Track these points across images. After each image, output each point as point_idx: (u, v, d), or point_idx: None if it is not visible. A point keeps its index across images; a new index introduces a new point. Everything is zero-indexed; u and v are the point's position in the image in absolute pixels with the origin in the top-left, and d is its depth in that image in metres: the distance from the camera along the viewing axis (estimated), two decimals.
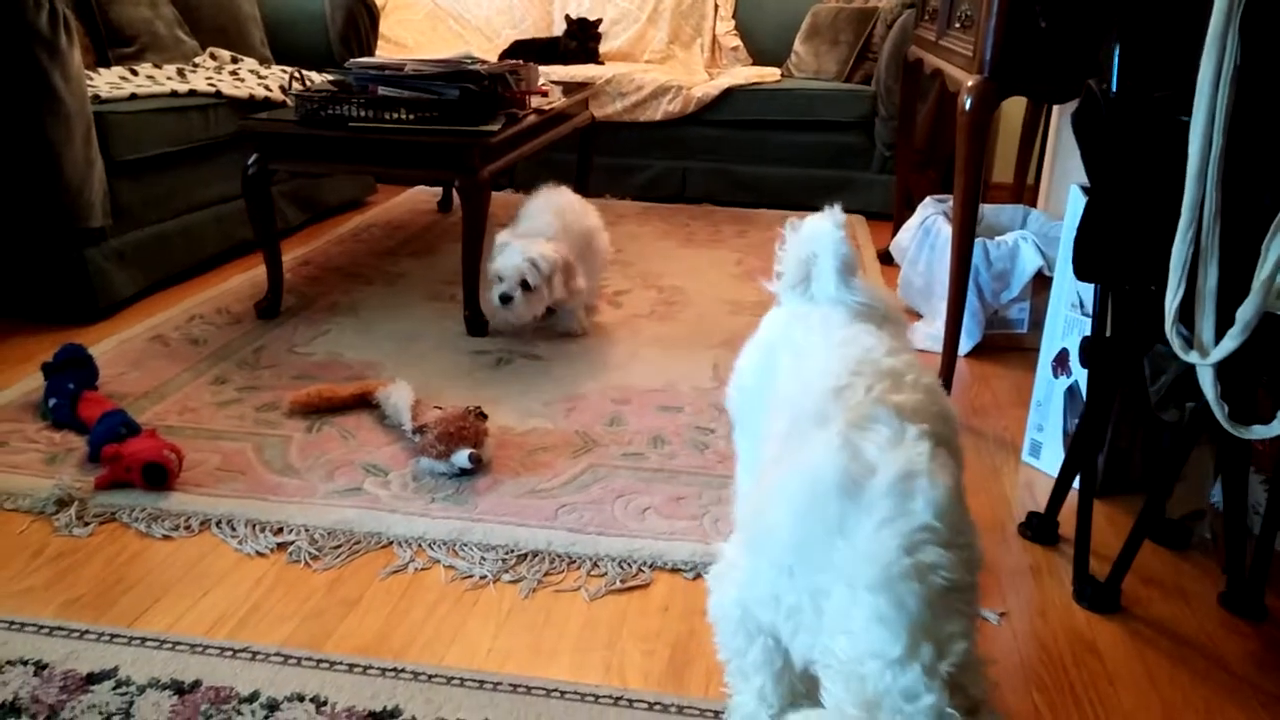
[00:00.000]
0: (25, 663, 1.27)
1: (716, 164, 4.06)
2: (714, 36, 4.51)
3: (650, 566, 1.54)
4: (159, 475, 1.69)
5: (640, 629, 1.40)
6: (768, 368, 1.27)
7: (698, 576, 1.52)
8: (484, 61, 2.53)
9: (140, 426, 1.82)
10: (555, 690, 1.26)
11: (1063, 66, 1.85)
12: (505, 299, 2.33)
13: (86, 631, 1.34)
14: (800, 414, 1.08)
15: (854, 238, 3.37)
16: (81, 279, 2.45)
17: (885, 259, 3.23)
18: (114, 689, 1.24)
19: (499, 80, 2.47)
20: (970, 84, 1.94)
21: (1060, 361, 1.85)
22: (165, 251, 2.74)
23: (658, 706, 1.24)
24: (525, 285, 2.31)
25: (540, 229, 2.43)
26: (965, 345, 2.52)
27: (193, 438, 1.88)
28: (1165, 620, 1.46)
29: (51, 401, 1.93)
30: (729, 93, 3.96)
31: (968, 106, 1.93)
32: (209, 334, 2.44)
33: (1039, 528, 1.67)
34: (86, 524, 1.61)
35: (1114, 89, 1.39)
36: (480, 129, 2.33)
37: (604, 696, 1.25)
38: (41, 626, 1.35)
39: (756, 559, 1.02)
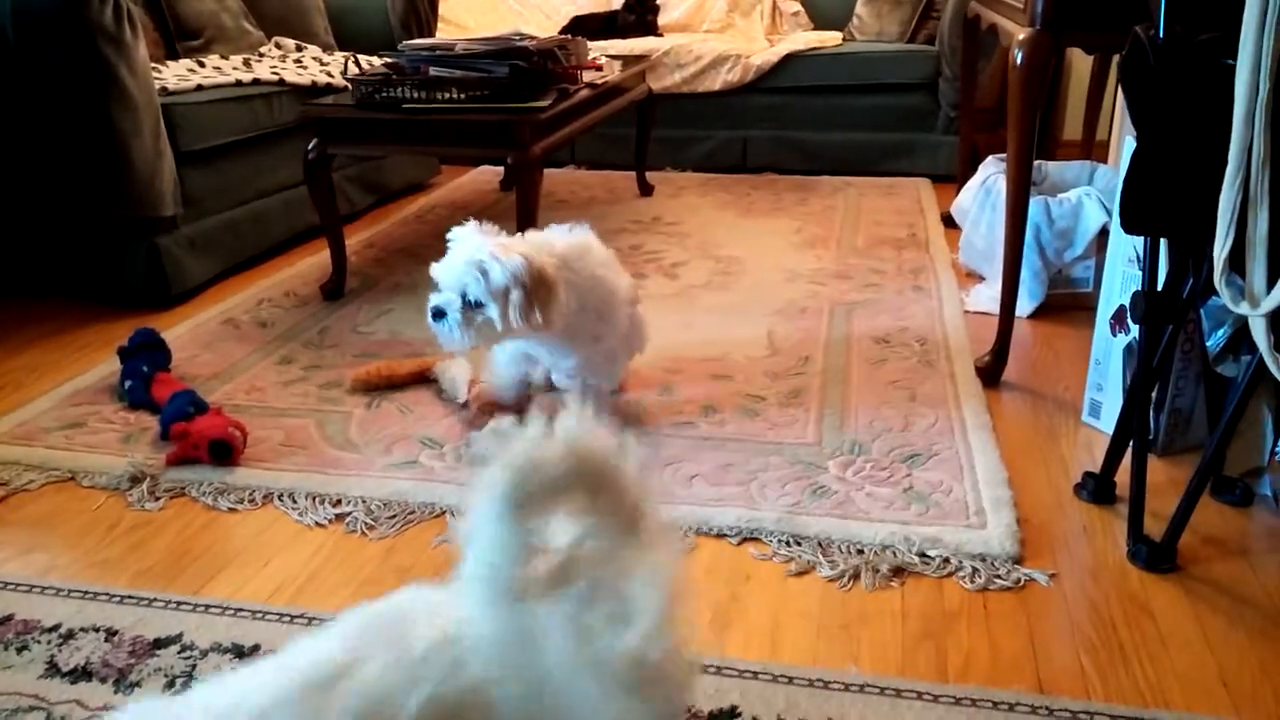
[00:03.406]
0: (98, 629, 1.35)
1: (778, 132, 4.02)
2: (774, 3, 4.45)
3: (695, 532, 1.55)
4: (224, 451, 1.76)
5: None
6: None
7: (742, 541, 1.53)
8: (533, 38, 2.55)
9: (208, 405, 1.90)
10: None
11: (1118, 14, 1.78)
12: (436, 314, 1.66)
13: (154, 600, 1.41)
14: None
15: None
16: (155, 266, 2.55)
17: (948, 222, 3.17)
18: (179, 653, 1.30)
19: (548, 56, 2.48)
20: (1021, 37, 1.88)
21: (1118, 319, 1.80)
22: (235, 238, 2.84)
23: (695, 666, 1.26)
24: (466, 300, 1.63)
25: (524, 242, 1.73)
26: (1028, 306, 2.46)
27: (259, 415, 1.95)
28: (1224, 579, 1.42)
29: (127, 384, 2.03)
30: (789, 59, 3.91)
31: (1019, 61, 1.87)
32: (276, 316, 2.52)
33: (1095, 488, 1.63)
34: (157, 499, 1.69)
35: (1160, 35, 1.34)
36: (530, 105, 2.36)
37: None
38: (113, 595, 1.42)
39: None
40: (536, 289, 1.62)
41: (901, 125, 3.92)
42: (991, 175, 2.66)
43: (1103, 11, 1.79)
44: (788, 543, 1.52)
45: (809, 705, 1.19)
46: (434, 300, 1.66)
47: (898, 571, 1.45)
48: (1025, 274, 2.44)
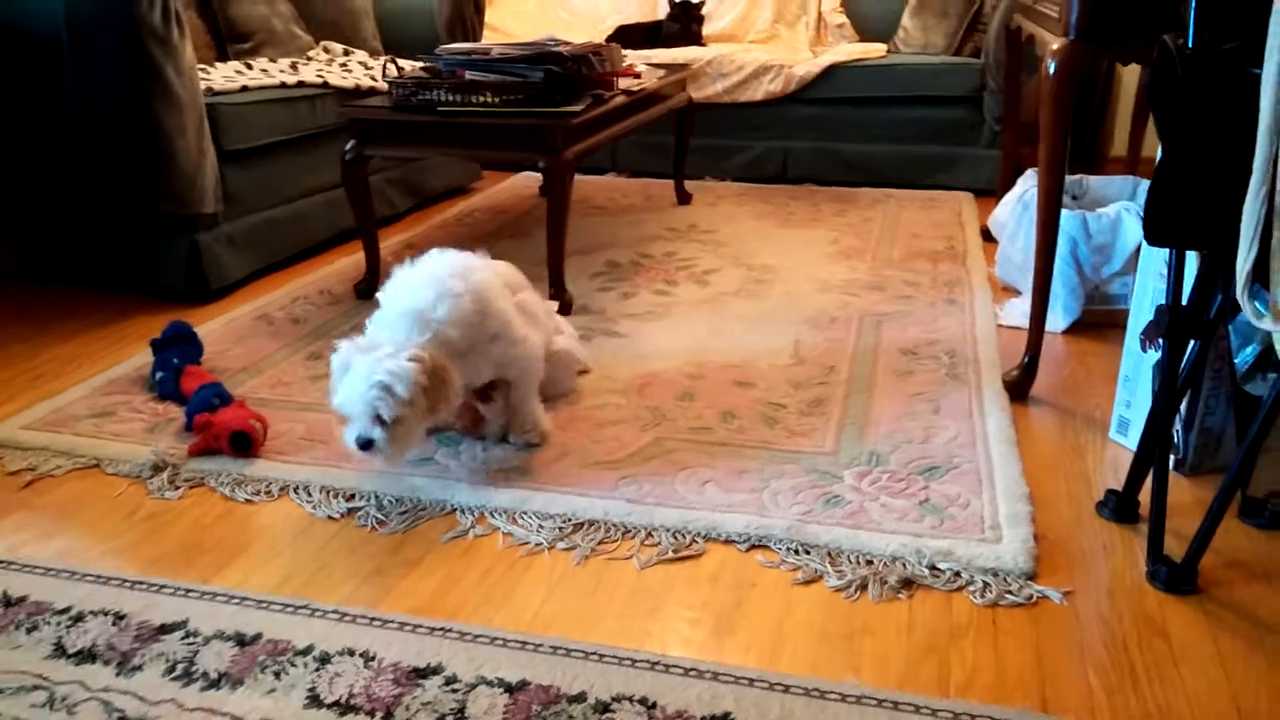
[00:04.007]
0: (107, 613, 1.37)
1: (819, 143, 4.00)
2: (819, 14, 4.43)
3: (704, 537, 1.54)
4: (244, 443, 1.79)
5: (687, 598, 1.41)
6: None
7: (750, 548, 1.52)
8: (567, 43, 2.56)
9: (233, 398, 1.93)
10: (594, 653, 1.28)
11: (1155, 25, 1.74)
12: (364, 444, 1.62)
13: (164, 586, 1.43)
14: None
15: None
16: (195, 262, 2.60)
17: (988, 236, 3.13)
18: (182, 639, 1.32)
19: (582, 61, 2.49)
20: (1055, 47, 1.85)
21: (1148, 334, 1.75)
22: (275, 236, 2.89)
23: (693, 672, 1.24)
24: (383, 421, 1.60)
25: (394, 327, 1.68)
26: (1063, 322, 2.41)
27: (281, 409, 1.98)
28: (1245, 603, 1.37)
29: (158, 375, 2.07)
30: (831, 70, 3.89)
31: (1052, 71, 1.84)
32: (309, 313, 2.56)
33: (1117, 506, 1.59)
34: (177, 488, 1.72)
35: (1190, 44, 1.31)
36: (562, 110, 2.37)
37: (641, 661, 1.27)
38: (125, 580, 1.45)
39: None
40: (434, 385, 1.62)
41: (945, 138, 3.87)
42: (1030, 189, 2.61)
43: (1138, 21, 1.75)
44: (796, 551, 1.50)
45: (804, 714, 1.17)
46: (355, 433, 1.62)
47: (906, 584, 1.43)
48: (1061, 289, 2.40)
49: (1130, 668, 1.25)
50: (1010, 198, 2.74)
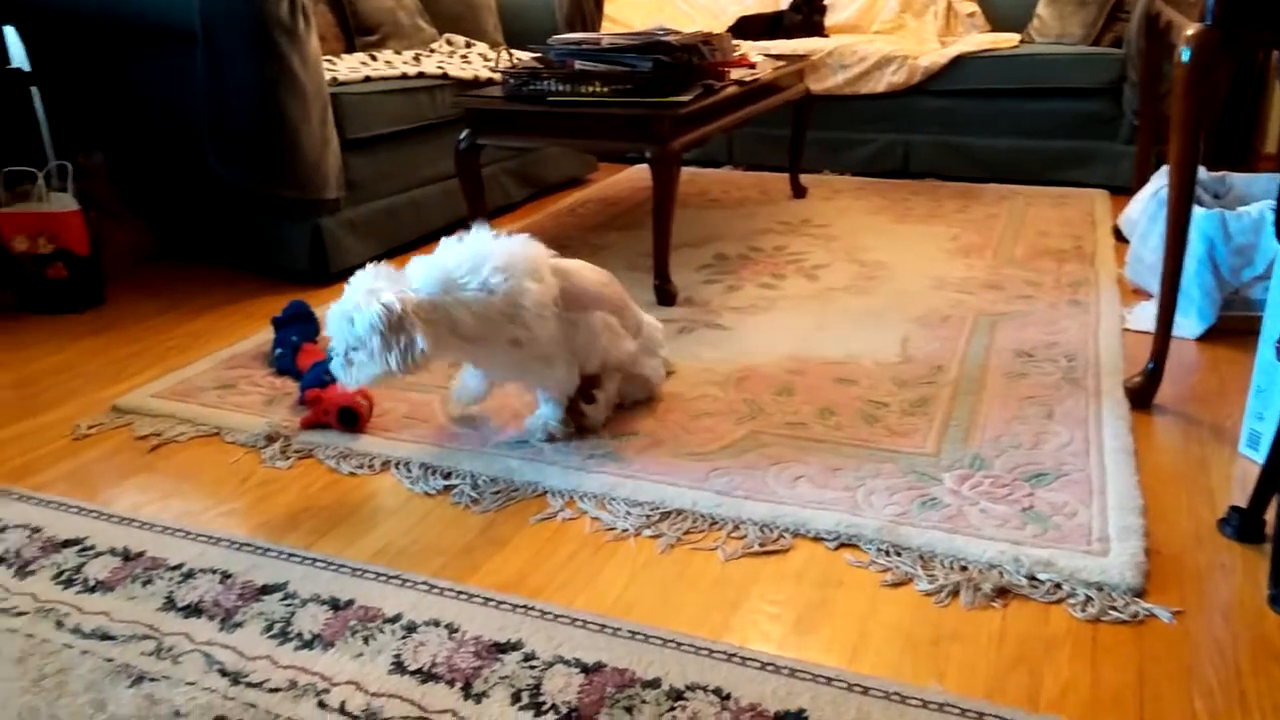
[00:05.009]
0: (215, 572, 1.45)
1: (943, 137, 3.88)
2: (949, 3, 4.29)
3: (792, 533, 1.52)
4: (351, 418, 1.85)
5: (770, 593, 1.39)
6: None
7: (839, 547, 1.48)
8: (677, 33, 2.55)
9: None
10: (672, 641, 1.28)
11: None
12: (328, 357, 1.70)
13: (269, 549, 1.50)
14: None
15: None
16: (318, 245, 2.71)
17: (1119, 235, 2.97)
18: (281, 600, 1.38)
19: (692, 51, 2.48)
20: (1190, 33, 1.74)
21: None
22: (394, 223, 2.98)
23: (770, 667, 1.22)
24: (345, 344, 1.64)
25: (423, 271, 1.69)
26: (1198, 328, 2.28)
27: (387, 388, 2.03)
28: None
29: (277, 351, 2.17)
30: (958, 61, 3.77)
31: (1185, 59, 1.73)
32: None
33: (1241, 524, 1.49)
34: (288, 458, 1.79)
35: None
36: (670, 100, 2.36)
37: (718, 651, 1.25)
38: (234, 542, 1.52)
39: None
40: (392, 334, 1.60)
41: (1080, 133, 3.70)
42: (1164, 186, 2.47)
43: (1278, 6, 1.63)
44: (887, 552, 1.46)
45: (882, 717, 1.14)
46: (328, 347, 1.69)
47: (1001, 592, 1.37)
48: (1196, 293, 2.27)
49: (1241, 695, 1.17)
50: (1143, 195, 2.60)
